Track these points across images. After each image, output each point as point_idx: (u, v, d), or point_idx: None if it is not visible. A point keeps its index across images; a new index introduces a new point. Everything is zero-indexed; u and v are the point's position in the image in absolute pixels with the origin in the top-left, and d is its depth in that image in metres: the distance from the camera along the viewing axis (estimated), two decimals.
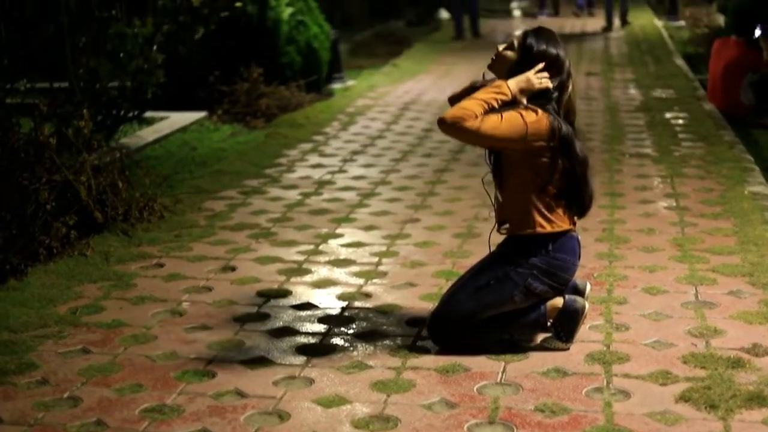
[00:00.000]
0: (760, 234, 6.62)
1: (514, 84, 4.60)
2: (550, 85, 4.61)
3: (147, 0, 9.84)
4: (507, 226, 4.79)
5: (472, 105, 4.54)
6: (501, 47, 4.77)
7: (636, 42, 18.56)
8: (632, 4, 23.27)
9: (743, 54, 11.05)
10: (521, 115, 4.53)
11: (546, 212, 4.64)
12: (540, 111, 4.56)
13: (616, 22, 21.44)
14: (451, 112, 4.56)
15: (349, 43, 18.03)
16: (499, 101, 4.57)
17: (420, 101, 12.78)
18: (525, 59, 4.67)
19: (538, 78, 4.60)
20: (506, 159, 4.68)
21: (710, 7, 21.13)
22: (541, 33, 4.74)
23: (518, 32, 4.76)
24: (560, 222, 4.68)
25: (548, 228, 4.65)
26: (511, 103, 4.61)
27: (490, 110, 4.55)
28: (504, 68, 4.74)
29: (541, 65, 4.62)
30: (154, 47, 9.60)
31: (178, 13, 10.17)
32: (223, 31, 11.35)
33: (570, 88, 4.72)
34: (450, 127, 4.55)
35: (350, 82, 14.28)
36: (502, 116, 4.51)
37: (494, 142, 4.58)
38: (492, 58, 4.79)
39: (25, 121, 7.45)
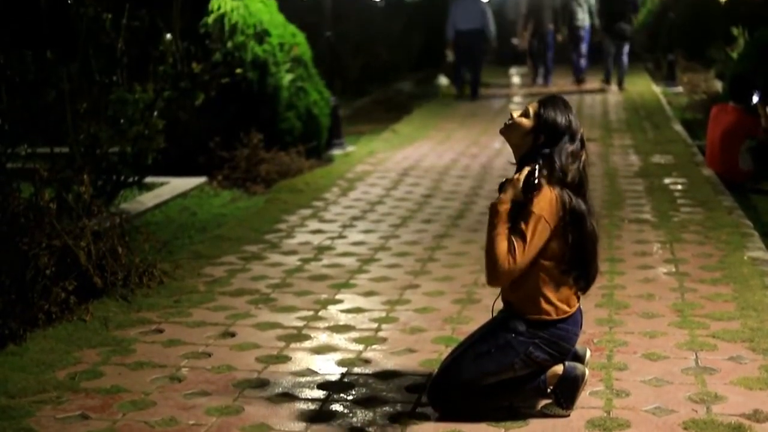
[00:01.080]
0: (759, 299, 6.61)
1: (509, 196, 4.62)
2: (543, 182, 4.62)
3: (148, 66, 9.90)
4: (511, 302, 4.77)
5: (497, 249, 4.53)
6: (516, 114, 4.79)
7: (634, 108, 18.65)
8: (630, 71, 23.41)
9: (741, 120, 11.12)
10: (535, 214, 4.53)
11: (552, 297, 4.63)
12: (548, 188, 4.56)
13: (614, 86, 21.60)
14: (488, 273, 4.60)
15: (349, 109, 18.13)
16: (506, 216, 4.59)
17: (419, 167, 12.82)
18: (539, 127, 4.70)
19: (531, 178, 4.61)
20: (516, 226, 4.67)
21: (708, 73, 21.26)
22: (555, 102, 4.77)
23: (532, 101, 4.78)
24: (565, 305, 4.67)
25: (554, 315, 4.65)
26: (513, 184, 4.63)
27: (512, 227, 4.56)
28: (517, 135, 4.76)
29: (527, 169, 4.63)
30: (155, 113, 9.64)
31: (179, 79, 10.23)
32: (223, 97, 11.41)
33: (584, 157, 4.74)
34: (498, 281, 4.61)
35: (350, 148, 14.33)
36: (524, 234, 4.52)
37: (537, 254, 4.59)
38: (506, 124, 4.81)
39: (26, 185, 7.47)
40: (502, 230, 4.55)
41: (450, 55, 22.28)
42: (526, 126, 4.75)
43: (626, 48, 22.19)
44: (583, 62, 22.52)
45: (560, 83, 23.28)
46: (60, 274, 6.60)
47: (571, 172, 4.65)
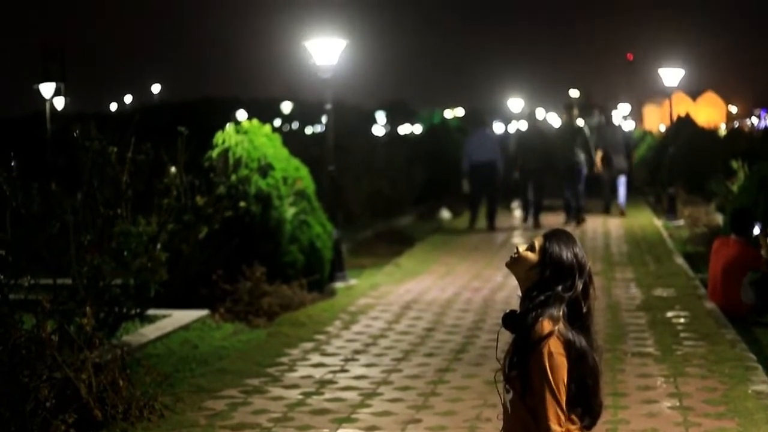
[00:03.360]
0: None
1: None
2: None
3: (152, 199, 9.98)
4: None
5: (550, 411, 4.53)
6: (522, 248, 4.81)
7: (636, 241, 18.72)
8: (631, 205, 23.58)
9: (743, 253, 11.15)
10: (547, 360, 4.51)
11: None
12: (552, 326, 4.56)
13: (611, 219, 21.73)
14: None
15: (352, 242, 18.19)
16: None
17: (422, 300, 12.81)
18: (544, 261, 4.71)
19: None
20: (527, 381, 4.64)
21: (709, 206, 21.39)
22: (560, 236, 4.79)
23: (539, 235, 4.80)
24: None
25: None
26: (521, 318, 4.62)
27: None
28: (523, 269, 4.77)
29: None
30: (158, 246, 9.69)
31: (183, 213, 10.31)
32: (226, 230, 11.47)
33: (593, 291, 4.75)
34: None
35: (352, 281, 14.34)
36: (544, 385, 4.50)
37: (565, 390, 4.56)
38: (512, 257, 4.82)
39: (28, 317, 7.46)
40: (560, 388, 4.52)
41: (466, 186, 22.57)
42: (531, 260, 4.76)
43: (622, 179, 22.41)
44: (582, 201, 22.06)
45: (556, 222, 23.38)
46: (60, 406, 6.55)
47: (577, 308, 4.65)
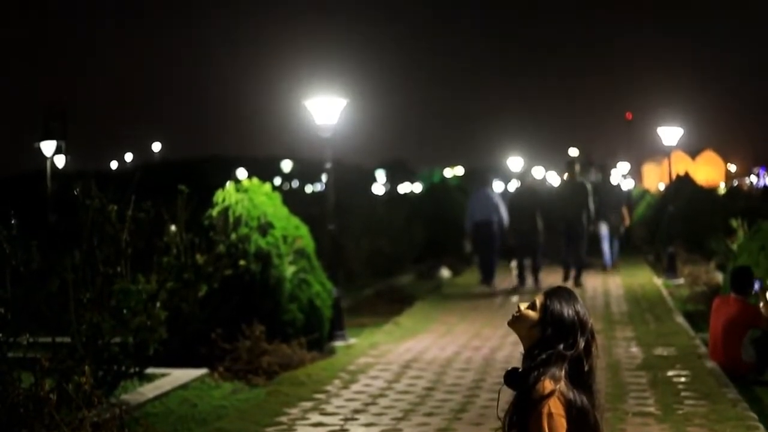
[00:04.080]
0: None
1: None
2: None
3: (152, 257, 9.99)
4: None
5: None
6: (523, 306, 4.81)
7: (636, 299, 18.69)
8: (631, 263, 23.57)
9: (743, 311, 11.12)
10: (546, 421, 4.50)
11: None
12: (554, 386, 4.54)
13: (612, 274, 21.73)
14: None
15: (352, 301, 18.16)
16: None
17: (422, 359, 12.76)
18: (545, 319, 4.71)
19: None
20: None
21: (708, 265, 21.38)
22: (561, 294, 4.78)
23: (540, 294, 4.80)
24: None
25: None
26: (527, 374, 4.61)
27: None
28: (525, 327, 4.76)
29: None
30: (158, 304, 9.68)
31: (183, 271, 10.30)
32: (226, 288, 11.46)
33: (595, 349, 4.74)
34: None
35: (352, 340, 14.30)
36: None
37: None
38: (513, 316, 4.82)
39: (26, 375, 7.44)
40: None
41: (468, 246, 22.74)
42: (533, 318, 4.76)
43: (614, 240, 22.46)
44: (584, 261, 21.85)
45: (556, 281, 23.35)
46: None
47: (579, 366, 4.64)
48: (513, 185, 24.39)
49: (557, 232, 22.11)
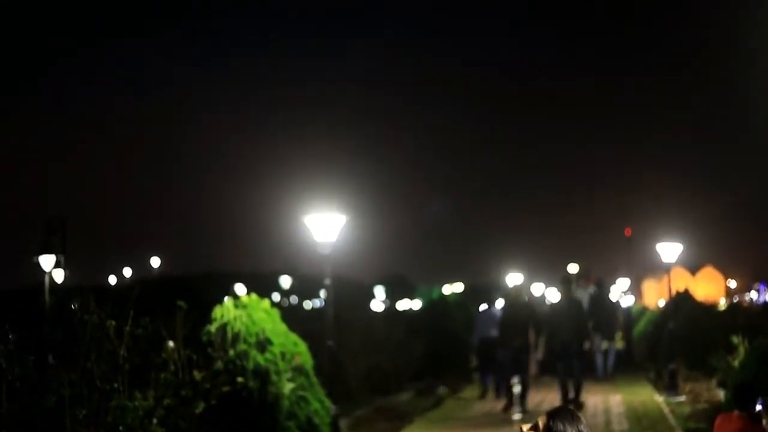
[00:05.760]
0: None
1: None
2: None
3: (149, 373, 9.92)
4: None
5: None
6: (525, 427, 4.77)
7: (637, 417, 18.51)
8: (632, 381, 23.37)
9: (746, 428, 10.99)
10: None
11: None
12: None
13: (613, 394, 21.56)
14: None
15: (350, 418, 17.98)
16: None
17: None
18: None
19: None
20: None
21: (710, 382, 21.24)
22: (564, 414, 4.75)
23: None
24: None
25: None
26: None
27: None
28: None
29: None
30: (155, 420, 9.57)
31: (180, 387, 10.22)
32: (223, 405, 11.35)
33: None
34: None
35: None
36: None
37: None
38: None
39: None
40: None
41: (474, 360, 23.14)
42: None
43: (613, 348, 22.37)
44: (580, 380, 20.82)
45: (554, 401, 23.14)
46: None
47: None
48: (500, 302, 24.07)
49: (552, 350, 21.52)
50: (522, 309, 21.48)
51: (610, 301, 27.36)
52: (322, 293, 16.81)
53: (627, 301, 41.10)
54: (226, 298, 13.14)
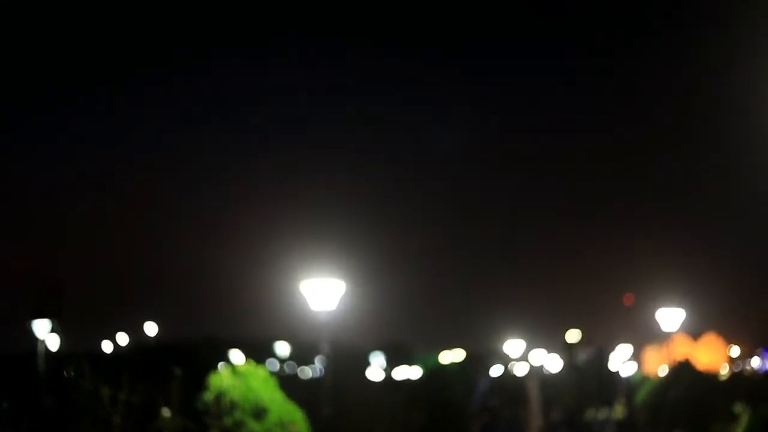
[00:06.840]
0: None
1: None
2: None
3: None
4: None
5: None
6: None
7: None
8: None
9: None
10: None
11: None
12: None
13: None
14: None
15: None
16: None
17: None
18: None
19: None
20: None
21: None
22: None
23: None
24: None
25: None
26: None
27: None
28: None
29: None
30: None
31: None
32: None
33: None
34: None
35: None
36: None
37: None
38: None
39: None
40: None
41: (475, 428, 22.81)
42: None
43: (612, 419, 22.31)
44: None
45: None
46: None
47: None
48: (514, 369, 24.00)
49: (556, 421, 21.40)
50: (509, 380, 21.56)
51: (608, 369, 26.99)
52: (317, 361, 16.74)
53: (629, 369, 40.73)
54: (221, 365, 13.00)
